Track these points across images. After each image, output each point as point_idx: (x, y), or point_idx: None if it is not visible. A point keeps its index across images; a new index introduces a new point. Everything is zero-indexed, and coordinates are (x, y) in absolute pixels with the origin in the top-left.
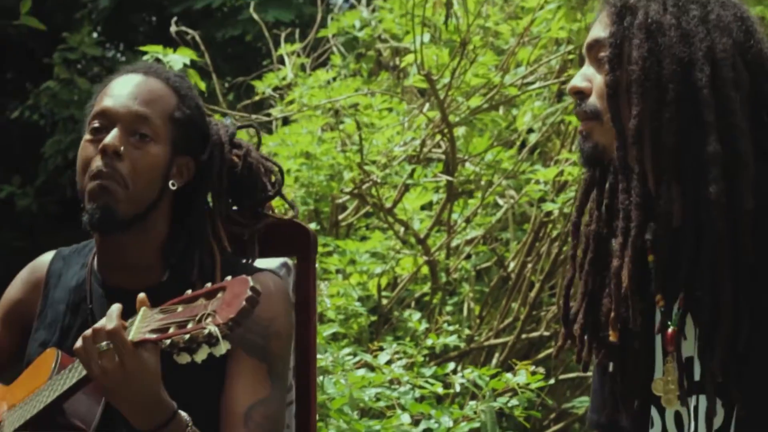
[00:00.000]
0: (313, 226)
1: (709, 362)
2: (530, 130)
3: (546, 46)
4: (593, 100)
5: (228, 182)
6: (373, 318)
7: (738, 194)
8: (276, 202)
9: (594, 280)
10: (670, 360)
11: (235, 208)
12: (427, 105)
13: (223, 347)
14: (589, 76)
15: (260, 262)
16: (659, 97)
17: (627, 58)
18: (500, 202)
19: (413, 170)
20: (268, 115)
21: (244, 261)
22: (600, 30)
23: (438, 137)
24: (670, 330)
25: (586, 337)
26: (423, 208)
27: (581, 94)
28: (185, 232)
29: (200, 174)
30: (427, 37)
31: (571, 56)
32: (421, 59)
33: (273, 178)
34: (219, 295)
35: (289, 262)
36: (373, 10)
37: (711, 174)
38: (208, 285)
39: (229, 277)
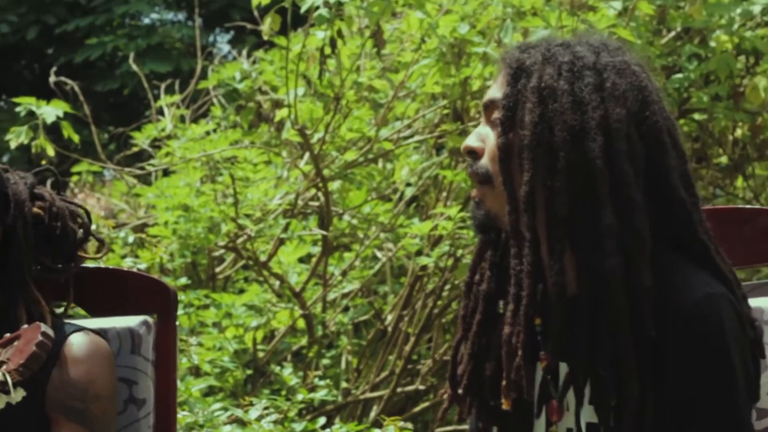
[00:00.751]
0: (188, 279)
1: None
2: (408, 184)
3: (422, 100)
4: (485, 162)
5: (35, 236)
6: (249, 372)
7: (635, 270)
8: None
9: (481, 342)
10: (553, 430)
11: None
12: (303, 158)
13: (18, 394)
14: (483, 136)
15: (120, 320)
16: (550, 164)
17: (519, 121)
18: (378, 255)
19: (288, 224)
20: (143, 168)
21: (69, 321)
22: (496, 90)
23: (313, 191)
24: (554, 400)
25: (468, 399)
26: (300, 261)
27: (474, 154)
28: (2, 290)
29: (6, 235)
30: (301, 91)
31: (446, 110)
32: (295, 113)
33: (80, 221)
34: (15, 343)
35: (150, 320)
36: (254, 62)
37: (607, 247)
38: (7, 335)
39: (25, 326)
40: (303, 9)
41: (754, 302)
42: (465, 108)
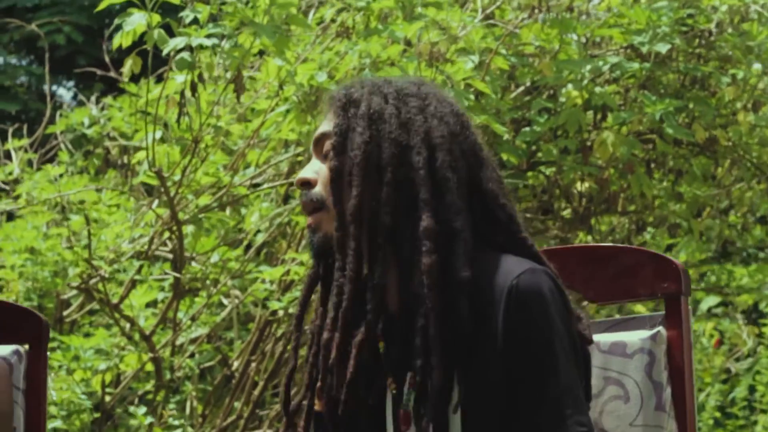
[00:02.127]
0: None
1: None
2: (258, 231)
3: (275, 147)
4: (318, 189)
5: None
6: (97, 415)
7: (452, 265)
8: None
9: (313, 373)
10: None
11: None
12: (156, 202)
13: None
14: (315, 170)
15: None
16: (378, 179)
17: (350, 145)
18: (225, 302)
19: (141, 266)
20: None
21: None
22: (326, 125)
23: (166, 234)
24: (402, 410)
25: (308, 427)
26: (149, 305)
27: (308, 185)
28: None
29: None
30: (159, 134)
31: (299, 158)
32: (153, 156)
33: None
34: None
35: (21, 349)
36: (102, 108)
37: (425, 247)
38: None
39: None
40: (165, 52)
41: (617, 336)
42: None
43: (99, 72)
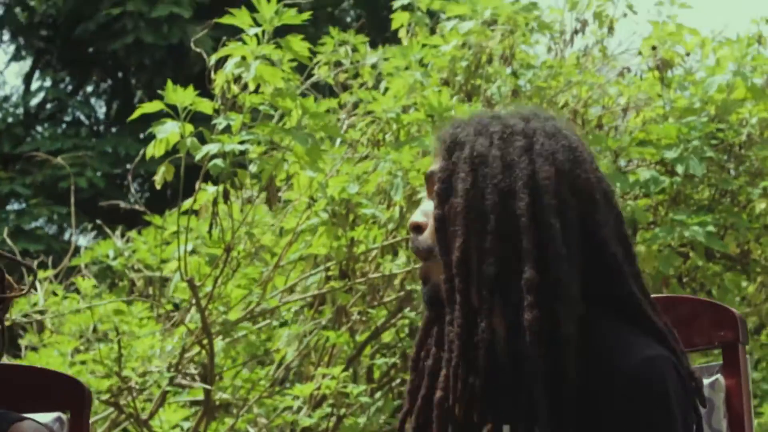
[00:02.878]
0: None
1: None
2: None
3: (305, 263)
4: (425, 237)
5: None
6: None
7: (557, 321)
8: None
9: (426, 415)
10: None
11: None
12: (189, 316)
13: None
14: (426, 212)
15: (34, 417)
16: (482, 227)
17: (454, 192)
18: (251, 430)
19: (172, 378)
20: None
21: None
22: (434, 165)
23: (196, 348)
24: None
25: None
26: (175, 427)
27: (418, 229)
28: None
29: None
30: (190, 247)
31: (330, 272)
32: (185, 266)
33: None
34: None
35: (63, 416)
36: (127, 241)
37: (526, 301)
38: None
39: None
40: (197, 157)
41: None
42: (351, 268)
43: (123, 204)
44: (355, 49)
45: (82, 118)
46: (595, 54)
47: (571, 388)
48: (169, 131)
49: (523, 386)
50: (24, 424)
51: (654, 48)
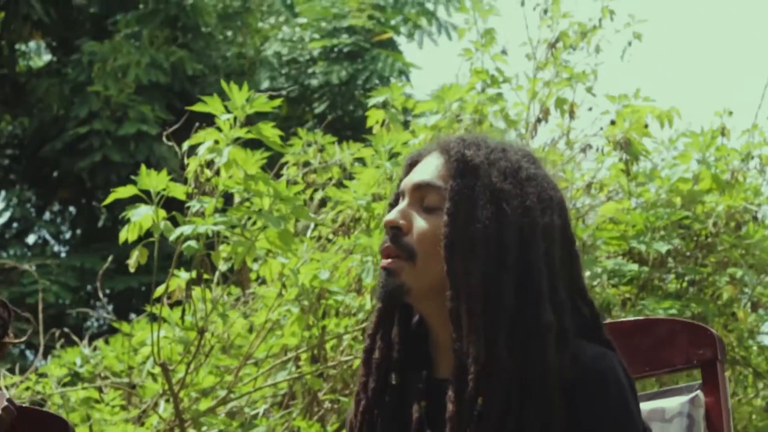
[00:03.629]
0: None
1: None
2: None
3: (276, 353)
4: (410, 241)
5: None
6: None
7: (563, 363)
8: None
9: (373, 412)
10: None
11: None
12: (161, 405)
13: None
14: (407, 215)
15: None
16: (500, 259)
17: (467, 216)
18: None
19: None
20: None
21: None
22: (431, 175)
23: None
24: None
25: None
26: None
27: (397, 230)
28: None
29: None
30: (163, 333)
31: (301, 362)
32: (158, 350)
33: None
34: None
35: None
36: (95, 349)
37: (546, 341)
38: None
39: None
40: (171, 238)
41: (654, 404)
42: (323, 355)
43: (91, 312)
44: (322, 149)
45: (48, 237)
46: (559, 147)
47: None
48: (142, 215)
49: (532, 420)
50: None
51: (618, 141)
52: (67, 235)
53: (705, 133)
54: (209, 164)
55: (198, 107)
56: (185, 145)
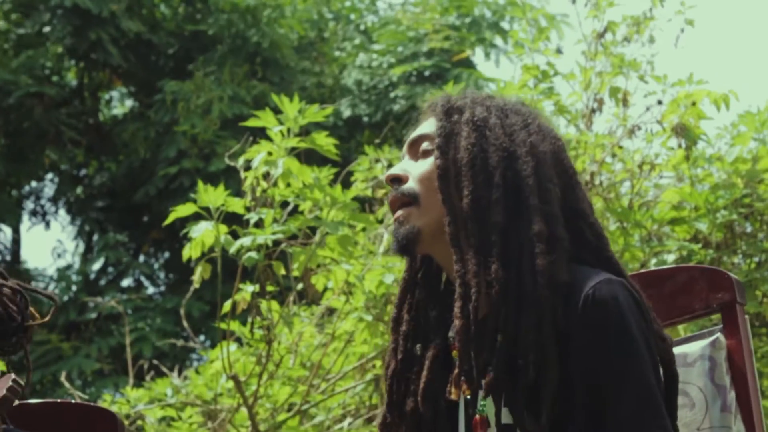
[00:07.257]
0: None
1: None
2: None
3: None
4: (411, 185)
5: None
6: None
7: (557, 269)
8: None
9: (400, 381)
10: None
11: None
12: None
13: None
14: (406, 168)
15: None
16: (486, 180)
17: (454, 147)
18: None
19: None
20: None
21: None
22: (425, 128)
23: None
24: (477, 416)
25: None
26: None
27: (398, 181)
28: None
29: None
30: (234, 348)
31: (376, 370)
32: (228, 363)
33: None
34: None
35: None
36: (185, 378)
37: (538, 249)
38: None
39: None
40: (231, 250)
41: (676, 350)
42: None
43: (179, 343)
44: (390, 165)
45: (143, 279)
46: (617, 135)
47: (558, 328)
48: (203, 230)
49: (531, 323)
50: None
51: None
52: (161, 276)
53: (762, 112)
54: (266, 176)
55: (251, 122)
56: (240, 160)
